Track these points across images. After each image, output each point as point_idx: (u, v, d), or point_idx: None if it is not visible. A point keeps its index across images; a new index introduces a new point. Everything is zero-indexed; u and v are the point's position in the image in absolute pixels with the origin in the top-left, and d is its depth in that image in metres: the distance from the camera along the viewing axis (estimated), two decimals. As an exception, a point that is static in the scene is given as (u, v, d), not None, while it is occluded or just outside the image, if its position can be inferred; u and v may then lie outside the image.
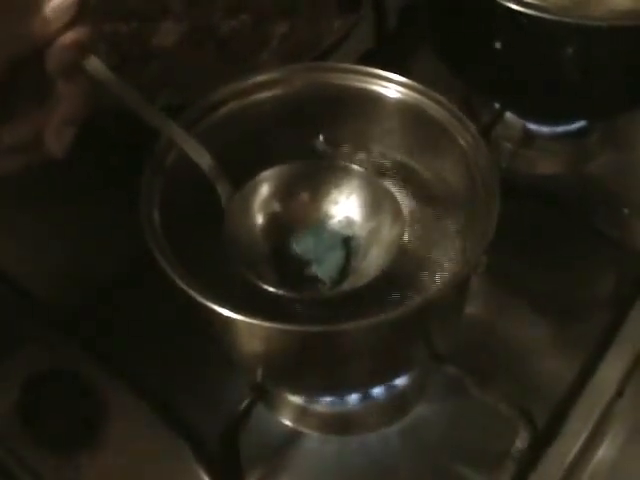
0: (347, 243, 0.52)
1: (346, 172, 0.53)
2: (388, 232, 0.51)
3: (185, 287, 0.44)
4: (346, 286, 0.50)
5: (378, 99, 0.54)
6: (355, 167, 0.54)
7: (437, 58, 0.67)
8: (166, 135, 0.50)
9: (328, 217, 0.53)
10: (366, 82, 0.54)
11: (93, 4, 0.51)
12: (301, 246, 0.52)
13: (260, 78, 0.55)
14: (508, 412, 0.51)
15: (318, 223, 0.53)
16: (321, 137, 0.56)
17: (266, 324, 0.44)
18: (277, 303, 0.49)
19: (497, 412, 0.51)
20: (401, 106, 0.54)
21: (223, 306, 0.44)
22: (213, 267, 0.50)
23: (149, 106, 0.49)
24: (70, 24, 0.44)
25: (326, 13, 0.66)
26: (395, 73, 0.54)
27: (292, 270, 0.52)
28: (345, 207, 0.53)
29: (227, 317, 0.44)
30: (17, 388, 0.55)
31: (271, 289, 0.48)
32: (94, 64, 0.46)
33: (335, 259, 0.52)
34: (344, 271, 0.51)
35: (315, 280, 0.52)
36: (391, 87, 0.54)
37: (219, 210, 0.51)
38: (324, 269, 0.51)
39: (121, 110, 0.49)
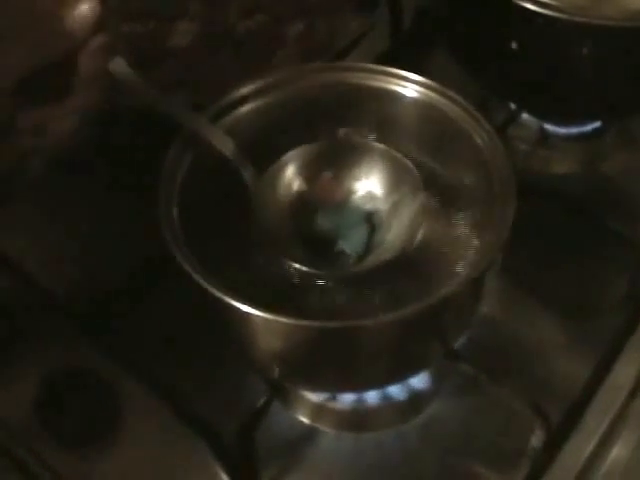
0: (370, 218, 0.54)
1: (366, 148, 0.55)
2: (409, 205, 0.53)
3: (202, 283, 0.46)
4: (371, 260, 0.52)
5: (396, 98, 0.56)
6: (374, 143, 0.56)
7: (453, 58, 0.68)
8: (189, 128, 0.52)
9: (351, 193, 0.55)
10: (384, 81, 0.56)
11: (111, 5, 0.53)
12: (327, 223, 0.54)
13: (277, 77, 0.56)
14: (523, 410, 0.52)
15: (342, 200, 0.55)
16: (335, 134, 0.58)
17: (283, 319, 0.45)
18: (299, 296, 0.50)
19: (512, 410, 0.53)
20: (419, 105, 0.55)
21: (241, 301, 0.45)
22: (232, 264, 0.51)
23: (172, 102, 0.52)
24: (96, 29, 0.47)
25: (342, 13, 0.67)
26: (412, 72, 0.55)
27: (318, 247, 0.53)
28: (367, 182, 0.55)
29: (244, 312, 0.45)
30: (35, 386, 0.56)
31: (299, 267, 0.50)
32: (118, 64, 0.48)
33: (360, 234, 0.53)
34: (369, 245, 0.53)
35: (341, 255, 0.53)
36: (409, 86, 0.55)
37: (238, 207, 0.52)
38: (350, 244, 0.53)
39: (139, 111, 0.52)
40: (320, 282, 0.51)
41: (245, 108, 0.56)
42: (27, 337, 0.58)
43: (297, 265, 0.50)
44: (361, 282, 0.51)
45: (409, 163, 0.54)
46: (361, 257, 0.53)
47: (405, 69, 0.56)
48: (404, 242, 0.51)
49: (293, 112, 0.56)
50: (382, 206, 0.54)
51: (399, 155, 0.54)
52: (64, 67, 0.47)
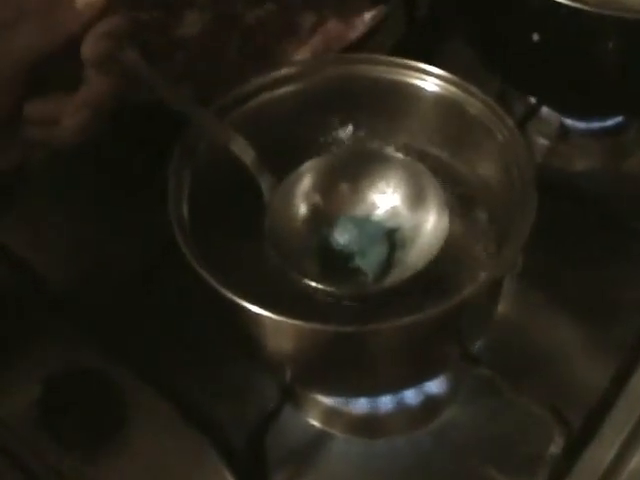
0: (392, 235, 0.53)
1: (390, 160, 0.54)
2: (434, 224, 0.52)
3: (214, 283, 0.46)
4: (389, 280, 0.51)
5: (415, 92, 0.56)
6: (400, 155, 0.56)
7: (470, 50, 0.67)
8: (203, 128, 0.52)
9: (373, 208, 0.54)
10: (403, 75, 0.56)
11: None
12: (344, 238, 0.53)
13: (290, 70, 0.56)
14: (542, 415, 0.52)
15: (363, 214, 0.54)
16: (350, 128, 0.58)
17: (296, 322, 0.45)
18: (313, 301, 0.50)
19: (530, 415, 0.52)
20: (438, 99, 0.55)
21: (252, 303, 0.45)
22: (244, 264, 0.52)
23: (186, 98, 0.52)
24: (101, 14, 0.47)
25: (356, 3, 0.66)
26: (431, 65, 0.55)
27: (334, 263, 0.53)
28: (391, 198, 0.54)
29: (256, 314, 0.45)
30: (38, 387, 0.56)
31: (312, 283, 0.49)
32: (131, 56, 0.48)
33: (379, 252, 0.52)
34: (388, 264, 0.52)
35: (357, 273, 0.52)
36: (429, 80, 0.55)
37: (250, 205, 0.52)
38: (367, 262, 0.52)
39: (151, 106, 0.51)
40: (335, 300, 0.50)
41: (255, 102, 0.56)
42: (29, 337, 0.58)
43: (309, 281, 0.50)
44: (378, 300, 0.50)
45: (435, 180, 0.53)
46: (379, 276, 0.52)
47: (420, 61, 0.56)
48: (426, 262, 0.50)
49: (306, 107, 0.56)
50: (405, 223, 0.53)
51: (425, 169, 0.54)
52: (72, 54, 0.47)
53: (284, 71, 0.56)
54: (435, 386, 0.57)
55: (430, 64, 0.55)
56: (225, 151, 0.52)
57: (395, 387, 0.54)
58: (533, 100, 0.67)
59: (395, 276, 0.51)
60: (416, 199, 0.53)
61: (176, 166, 0.52)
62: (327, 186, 0.54)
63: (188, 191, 0.51)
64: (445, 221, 0.51)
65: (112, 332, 0.58)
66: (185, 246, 0.48)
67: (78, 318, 0.59)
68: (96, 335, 0.58)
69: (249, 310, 0.45)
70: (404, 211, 0.54)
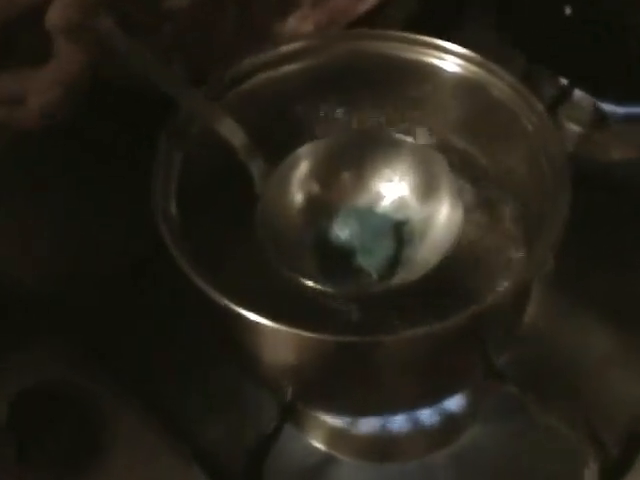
0: (399, 229, 0.51)
1: (398, 145, 0.53)
2: (446, 217, 0.50)
3: (207, 289, 0.44)
4: (397, 280, 0.49)
5: (431, 72, 0.54)
6: (409, 139, 0.54)
7: (493, 25, 0.67)
8: (189, 109, 0.50)
9: (379, 198, 0.52)
10: (419, 53, 0.54)
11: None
12: (345, 232, 0.51)
13: (291, 47, 0.55)
14: (574, 437, 0.50)
15: (366, 205, 0.52)
16: (355, 111, 0.56)
17: (293, 331, 0.43)
18: (315, 302, 0.49)
19: (562, 437, 0.50)
20: (457, 81, 0.53)
21: (247, 308, 0.43)
22: (237, 261, 0.51)
23: (171, 75, 0.50)
24: None
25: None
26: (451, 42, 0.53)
27: (334, 260, 0.51)
28: (398, 186, 0.52)
29: (253, 322, 0.43)
30: (6, 404, 0.53)
31: (309, 283, 0.47)
32: (105, 24, 0.46)
33: (385, 248, 0.50)
34: (394, 262, 0.50)
35: (360, 272, 0.50)
36: (447, 59, 0.53)
37: (245, 195, 0.50)
38: (371, 259, 0.50)
39: (130, 85, 0.50)
40: (335, 302, 0.49)
41: (251, 83, 0.54)
42: (5, 349, 0.56)
43: (306, 280, 0.48)
44: (386, 302, 0.49)
45: (447, 166, 0.51)
46: (384, 275, 0.50)
47: (436, 37, 0.54)
48: (438, 260, 0.48)
49: (307, 89, 0.55)
50: (415, 216, 0.52)
51: (437, 154, 0.52)
52: (39, 21, 0.45)
53: (284, 48, 0.55)
54: (454, 404, 0.55)
55: (447, 40, 0.54)
56: (218, 136, 0.50)
57: (409, 405, 0.53)
58: (564, 82, 0.66)
59: (403, 276, 0.49)
60: (427, 188, 0.51)
61: (163, 154, 0.50)
62: (326, 173, 0.52)
63: (176, 182, 0.49)
64: (459, 213, 0.49)
65: (94, 345, 0.57)
66: (173, 246, 0.46)
67: (55, 327, 0.57)
68: (75, 347, 0.56)
69: (243, 316, 0.43)
70: (413, 202, 0.52)
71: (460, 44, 0.54)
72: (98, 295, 0.58)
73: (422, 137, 0.56)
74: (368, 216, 0.52)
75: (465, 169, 0.54)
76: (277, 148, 0.51)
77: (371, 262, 0.50)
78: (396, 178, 0.52)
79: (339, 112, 0.56)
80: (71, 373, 0.55)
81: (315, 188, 0.52)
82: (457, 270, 0.51)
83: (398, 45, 0.54)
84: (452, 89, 0.54)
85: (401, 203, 0.52)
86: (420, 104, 0.55)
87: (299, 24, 0.63)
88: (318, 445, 0.55)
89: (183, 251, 0.46)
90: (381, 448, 0.56)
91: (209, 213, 0.51)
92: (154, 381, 0.55)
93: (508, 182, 0.53)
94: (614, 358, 0.58)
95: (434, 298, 0.50)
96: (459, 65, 0.53)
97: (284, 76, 0.55)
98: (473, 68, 0.53)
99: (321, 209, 0.52)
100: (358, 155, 0.52)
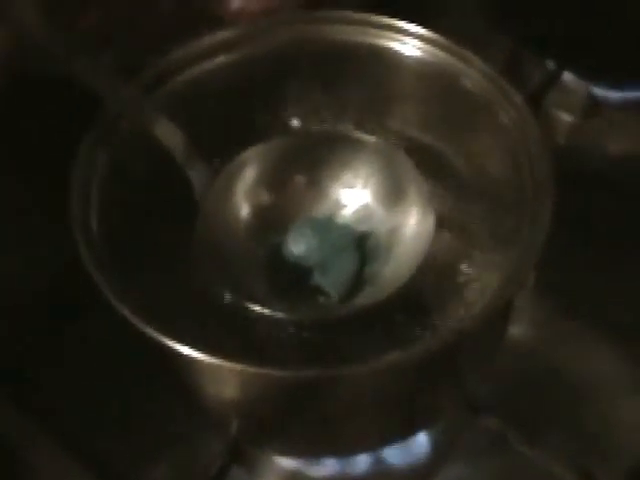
0: (363, 242, 0.51)
1: (361, 145, 0.52)
2: (416, 228, 0.50)
3: (136, 320, 0.43)
4: (360, 301, 0.49)
5: (392, 59, 0.53)
6: (370, 138, 0.53)
7: (472, 3, 0.67)
8: (117, 105, 0.50)
9: (338, 207, 0.52)
10: (376, 36, 0.53)
11: None
12: (300, 248, 0.50)
13: (231, 33, 0.54)
14: (567, 477, 0.50)
15: (324, 216, 0.52)
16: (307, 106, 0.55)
17: (237, 366, 0.42)
18: (264, 330, 0.48)
19: (552, 476, 0.51)
20: (423, 68, 0.53)
21: (185, 343, 0.42)
22: (174, 288, 0.49)
23: (95, 65, 0.49)
24: None
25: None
26: (414, 24, 0.52)
27: (287, 281, 0.50)
28: (361, 193, 0.52)
29: (191, 358, 0.42)
30: None
31: (256, 308, 0.47)
32: (22, 7, 0.47)
33: (346, 264, 0.50)
34: (357, 281, 0.50)
35: (317, 293, 0.50)
36: (409, 43, 0.53)
37: (185, 207, 0.50)
38: (331, 278, 0.50)
39: (51, 78, 0.50)
40: (287, 329, 0.48)
41: (188, 75, 0.53)
42: None
43: (253, 305, 0.47)
44: (346, 328, 0.48)
45: (416, 170, 0.51)
46: (345, 296, 0.50)
47: (399, 18, 0.53)
48: (406, 277, 0.48)
49: (251, 81, 0.54)
50: (380, 227, 0.51)
51: (405, 157, 0.51)
52: None
53: (223, 35, 0.54)
54: (424, 442, 0.55)
55: (412, 22, 0.53)
56: (151, 137, 0.50)
57: (372, 444, 0.52)
58: (552, 65, 0.66)
59: (367, 296, 0.49)
60: (393, 195, 0.51)
61: (84, 157, 0.49)
62: (277, 180, 0.52)
63: (100, 190, 0.48)
64: (430, 223, 0.49)
65: (14, 383, 0.56)
66: (94, 269, 0.45)
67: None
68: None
69: (181, 352, 0.42)
70: (378, 211, 0.52)
71: (427, 26, 0.53)
72: (9, 323, 0.57)
73: (385, 135, 0.55)
74: (326, 228, 0.51)
75: (435, 171, 0.53)
76: (220, 152, 0.51)
77: (330, 281, 0.50)
78: (358, 184, 0.52)
79: (288, 109, 0.56)
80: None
81: (264, 197, 0.52)
82: (426, 289, 0.49)
83: (351, 28, 0.54)
84: (415, 78, 0.53)
85: (364, 212, 0.52)
86: (378, 96, 0.55)
87: (243, 6, 0.62)
88: (270, 490, 0.53)
89: (105, 274, 0.44)
90: (342, 493, 0.53)
91: (139, 227, 0.50)
92: (87, 428, 0.55)
93: (484, 184, 0.52)
94: (611, 382, 0.57)
95: (401, 321, 0.49)
96: (423, 50, 0.53)
97: (222, 67, 0.54)
98: (440, 54, 0.52)
99: (272, 221, 0.52)
100: (313, 158, 0.52)
